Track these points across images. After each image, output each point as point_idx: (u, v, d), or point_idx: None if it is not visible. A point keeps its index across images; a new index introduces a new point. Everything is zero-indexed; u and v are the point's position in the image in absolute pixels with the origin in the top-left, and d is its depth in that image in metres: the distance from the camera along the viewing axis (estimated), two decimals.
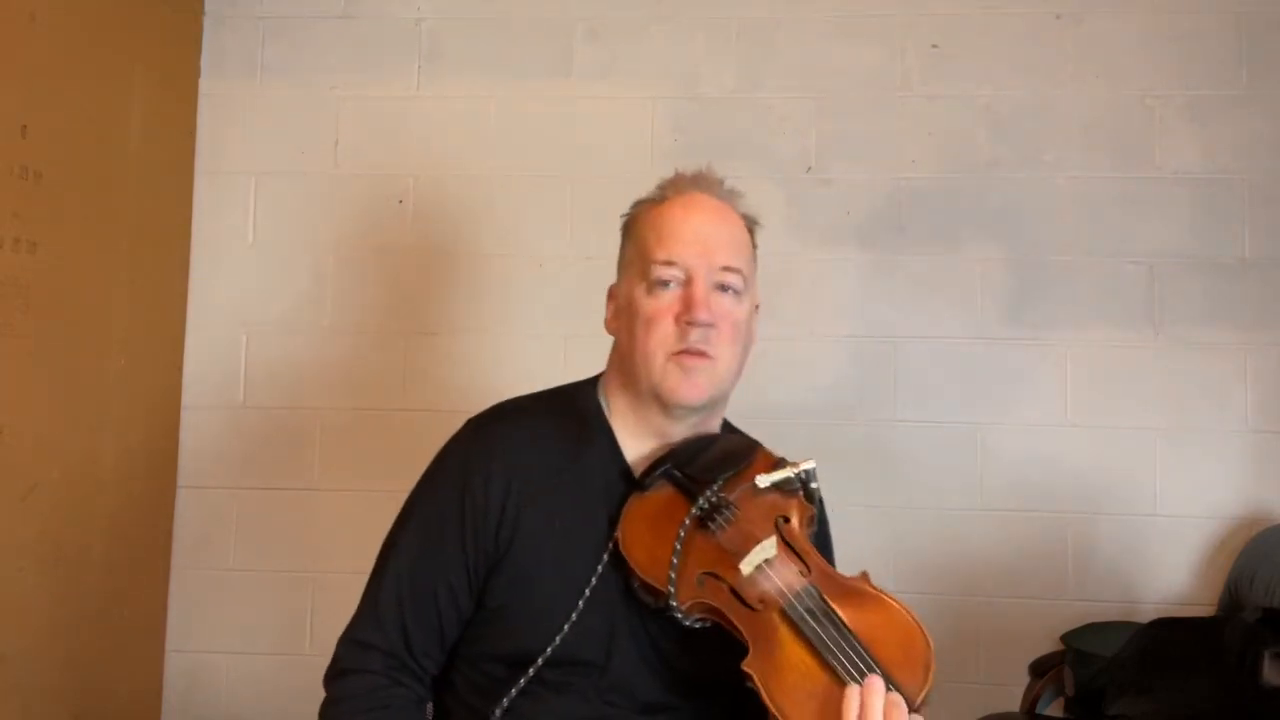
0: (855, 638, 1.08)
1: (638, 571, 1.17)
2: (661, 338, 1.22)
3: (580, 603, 1.18)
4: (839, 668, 1.06)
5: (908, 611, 1.12)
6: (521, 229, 2.28)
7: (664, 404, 1.23)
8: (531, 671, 1.18)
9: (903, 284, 2.23)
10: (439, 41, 2.35)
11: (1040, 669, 2.10)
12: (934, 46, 2.28)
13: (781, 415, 2.22)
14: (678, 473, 1.22)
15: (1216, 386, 2.17)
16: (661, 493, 1.22)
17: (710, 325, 1.21)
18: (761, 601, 1.12)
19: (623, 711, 1.20)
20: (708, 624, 1.14)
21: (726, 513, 1.19)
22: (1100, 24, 2.25)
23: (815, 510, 1.24)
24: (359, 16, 2.36)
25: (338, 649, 1.25)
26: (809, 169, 2.27)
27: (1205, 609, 2.11)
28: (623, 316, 1.28)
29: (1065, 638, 2.07)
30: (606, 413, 1.30)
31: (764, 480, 1.22)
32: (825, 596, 1.12)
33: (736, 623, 1.11)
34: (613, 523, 1.21)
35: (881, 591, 1.14)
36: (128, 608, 2.14)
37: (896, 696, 1.02)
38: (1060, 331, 2.20)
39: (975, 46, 2.27)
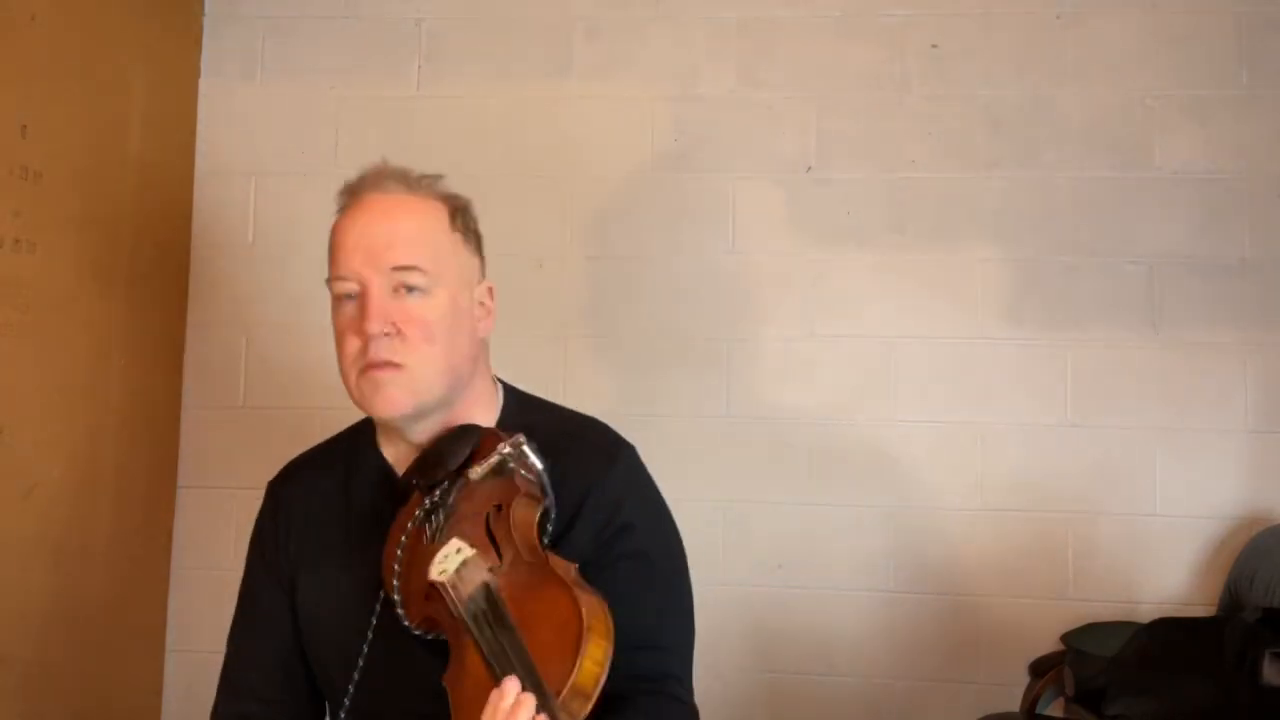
0: (514, 632, 1.00)
1: (384, 589, 1.13)
2: (350, 355, 1.17)
3: (369, 633, 1.16)
4: (496, 669, 0.98)
5: (570, 591, 1.01)
6: (521, 229, 2.28)
7: (377, 418, 1.21)
8: (346, 704, 1.17)
9: (903, 284, 2.23)
10: (439, 41, 2.35)
11: (1040, 669, 2.10)
12: (934, 46, 2.28)
13: (781, 415, 2.22)
14: (418, 479, 1.17)
15: (1216, 386, 2.16)
16: (409, 503, 1.17)
17: (390, 334, 1.15)
18: (457, 608, 1.04)
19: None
20: (439, 636, 1.08)
21: (440, 515, 1.12)
22: (1100, 24, 2.25)
23: (535, 481, 1.13)
24: (359, 16, 2.36)
25: None
26: (809, 169, 2.27)
27: (1205, 609, 2.11)
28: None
29: (1065, 638, 2.07)
30: (379, 435, 1.29)
31: (476, 472, 1.13)
32: (497, 592, 1.03)
33: (445, 634, 1.07)
34: None
35: (558, 572, 1.05)
36: (128, 608, 2.14)
37: (526, 697, 0.94)
38: (1060, 331, 2.20)
39: (975, 46, 2.26)
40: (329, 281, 1.20)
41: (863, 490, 2.20)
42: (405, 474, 1.19)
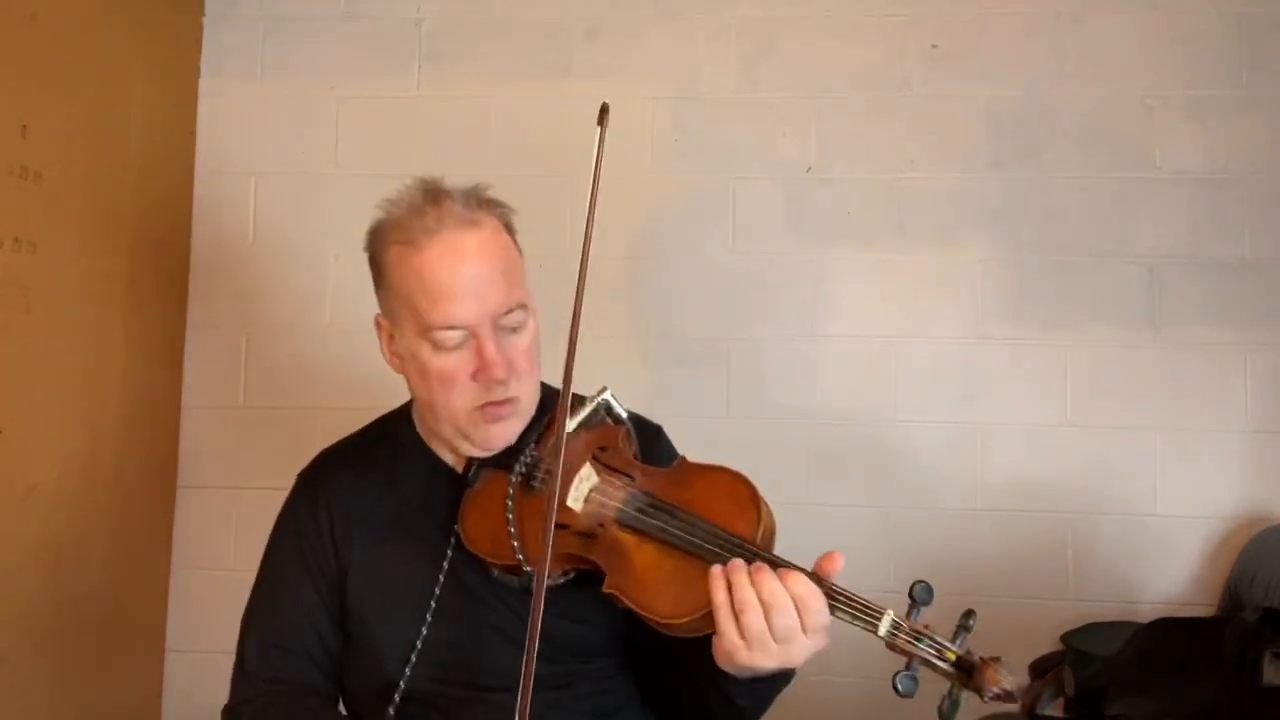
0: (686, 513, 1.12)
1: (489, 560, 1.19)
2: (462, 397, 1.21)
3: (428, 615, 1.21)
4: (681, 544, 1.10)
5: (724, 468, 1.16)
6: (521, 229, 2.26)
7: (479, 449, 1.25)
8: (402, 686, 1.20)
9: (903, 284, 2.23)
10: (439, 41, 2.35)
11: (1040, 669, 2.10)
12: (934, 46, 2.28)
13: (782, 415, 2.22)
14: (503, 455, 1.25)
15: (1216, 386, 2.16)
16: (487, 480, 1.25)
17: (510, 375, 1.21)
18: (600, 524, 1.16)
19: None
20: (571, 574, 1.17)
21: (540, 472, 1.22)
22: (1100, 24, 2.25)
23: (627, 428, 1.25)
24: (359, 16, 2.36)
25: None
26: (809, 169, 2.27)
27: (1205, 609, 2.11)
28: (409, 366, 1.25)
29: (1065, 638, 2.06)
30: (420, 429, 1.33)
31: (570, 424, 1.22)
32: (652, 493, 1.16)
33: (586, 555, 1.15)
34: (447, 529, 1.23)
35: (697, 463, 1.20)
36: (128, 608, 2.14)
37: (758, 566, 1.04)
38: (1060, 331, 2.20)
39: (975, 46, 2.27)
40: (426, 330, 1.19)
41: (863, 490, 2.20)
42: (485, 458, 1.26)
